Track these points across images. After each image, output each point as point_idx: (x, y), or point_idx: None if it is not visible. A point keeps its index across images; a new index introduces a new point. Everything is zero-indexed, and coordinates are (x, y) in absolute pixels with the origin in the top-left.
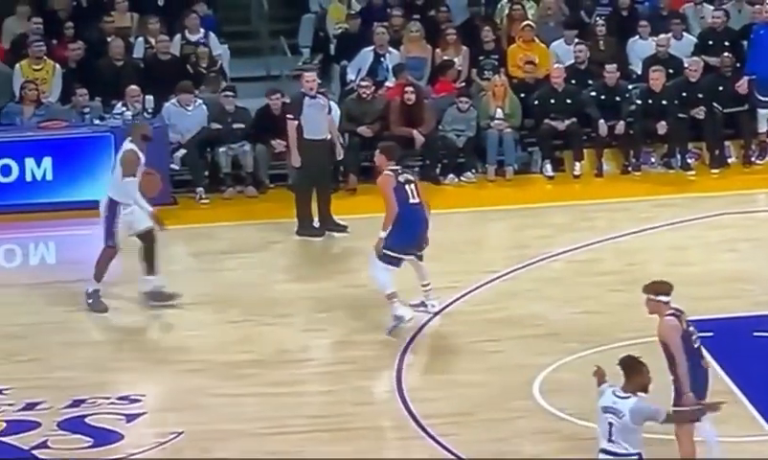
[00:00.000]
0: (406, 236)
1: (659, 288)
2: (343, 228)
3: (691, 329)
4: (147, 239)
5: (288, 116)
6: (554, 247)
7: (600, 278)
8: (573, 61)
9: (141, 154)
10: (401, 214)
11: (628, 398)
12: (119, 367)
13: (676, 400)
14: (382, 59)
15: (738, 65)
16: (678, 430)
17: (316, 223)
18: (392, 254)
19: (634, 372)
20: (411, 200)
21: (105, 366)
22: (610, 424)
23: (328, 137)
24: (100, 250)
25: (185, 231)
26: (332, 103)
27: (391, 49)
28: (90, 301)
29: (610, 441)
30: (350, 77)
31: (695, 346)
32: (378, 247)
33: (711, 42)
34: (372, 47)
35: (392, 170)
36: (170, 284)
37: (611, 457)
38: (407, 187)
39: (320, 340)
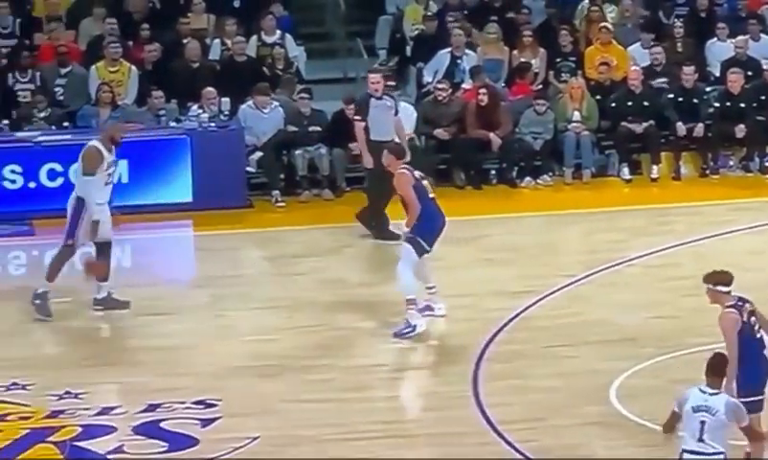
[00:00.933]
0: (432, 228)
1: (718, 279)
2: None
3: (753, 319)
4: (104, 249)
5: (356, 118)
6: (631, 251)
7: (677, 282)
8: (649, 63)
9: (106, 154)
10: (424, 208)
11: (719, 394)
12: (193, 372)
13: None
14: (459, 61)
15: None
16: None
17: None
18: (423, 243)
19: (724, 373)
20: (430, 194)
21: (180, 371)
22: (702, 422)
23: (396, 138)
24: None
25: (260, 234)
26: (405, 104)
27: (467, 51)
28: (38, 302)
29: (700, 441)
30: (427, 79)
31: (758, 336)
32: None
33: None
34: (448, 49)
35: (405, 168)
36: (244, 287)
37: (698, 457)
38: (423, 182)
39: (392, 345)
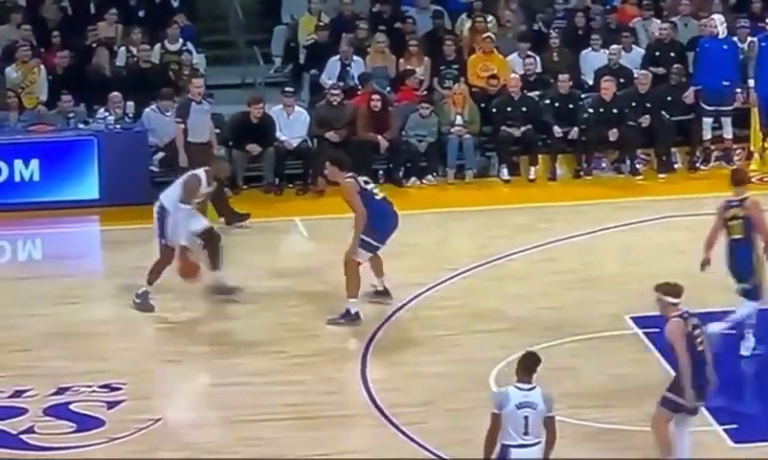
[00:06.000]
0: (383, 227)
1: (668, 290)
2: (245, 217)
3: (697, 332)
4: (206, 236)
5: (177, 120)
6: (512, 247)
7: (556, 276)
8: (524, 72)
9: (204, 185)
10: (372, 211)
11: (535, 388)
12: (100, 357)
13: (674, 389)
14: (348, 68)
15: (684, 80)
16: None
17: None
18: (371, 240)
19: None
20: (377, 197)
21: (88, 356)
22: (526, 418)
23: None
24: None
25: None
26: (299, 108)
27: (355, 57)
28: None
29: None
30: (325, 81)
31: (699, 349)
32: (350, 252)
33: (657, 53)
34: (338, 57)
35: (350, 176)
36: None
37: None
38: (368, 187)
39: (291, 333)
